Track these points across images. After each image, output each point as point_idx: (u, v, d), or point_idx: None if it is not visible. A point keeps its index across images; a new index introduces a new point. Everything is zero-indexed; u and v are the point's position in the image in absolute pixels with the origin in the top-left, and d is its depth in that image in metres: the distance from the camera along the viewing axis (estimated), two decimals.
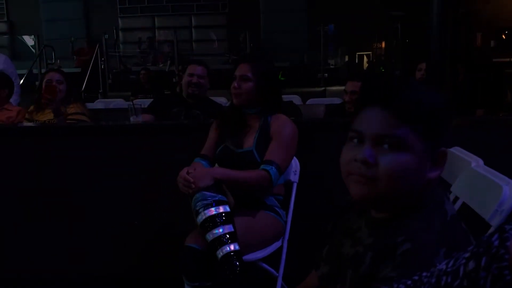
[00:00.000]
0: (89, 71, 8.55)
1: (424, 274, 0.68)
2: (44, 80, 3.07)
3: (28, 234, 2.58)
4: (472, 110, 4.07)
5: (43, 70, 7.67)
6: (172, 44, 9.29)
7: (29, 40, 11.53)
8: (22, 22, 11.70)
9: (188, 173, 1.86)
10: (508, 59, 7.79)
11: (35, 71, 8.13)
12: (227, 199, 1.85)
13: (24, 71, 7.75)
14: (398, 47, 9.87)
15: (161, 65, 10.10)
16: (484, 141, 2.19)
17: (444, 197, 0.93)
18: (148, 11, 11.46)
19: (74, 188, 2.53)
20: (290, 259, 2.06)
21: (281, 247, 2.06)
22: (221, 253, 1.75)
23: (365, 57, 10.82)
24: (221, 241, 1.76)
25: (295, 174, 2.17)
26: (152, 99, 3.95)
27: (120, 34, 11.38)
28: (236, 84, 2.01)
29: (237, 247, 1.76)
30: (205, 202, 1.80)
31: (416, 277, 0.70)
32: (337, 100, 4.75)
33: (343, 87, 3.34)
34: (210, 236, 1.77)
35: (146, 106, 3.13)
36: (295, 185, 2.15)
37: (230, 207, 1.83)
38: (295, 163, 2.17)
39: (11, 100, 3.39)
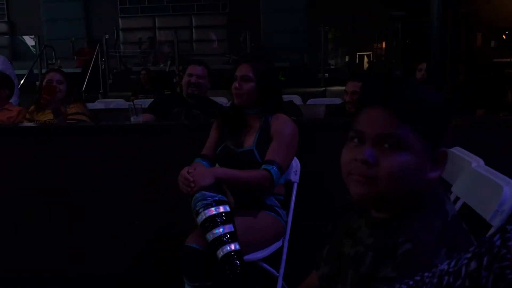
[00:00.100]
0: (90, 71, 8.56)
1: (426, 274, 0.68)
2: (45, 80, 3.07)
3: (28, 234, 2.58)
4: (472, 110, 4.07)
5: (43, 70, 7.67)
6: (172, 44, 9.29)
7: (29, 41, 11.54)
8: (22, 22, 11.71)
9: (188, 172, 1.86)
10: (508, 59, 7.79)
11: (35, 71, 8.14)
12: (227, 199, 1.85)
13: (25, 72, 7.76)
14: (399, 47, 9.87)
15: (161, 65, 10.11)
16: (484, 141, 2.19)
17: (445, 197, 0.93)
18: (148, 11, 11.46)
19: (74, 188, 2.53)
20: (290, 259, 2.06)
21: (281, 247, 2.06)
22: (222, 253, 1.75)
23: (365, 57, 10.82)
24: (221, 240, 1.76)
25: (295, 174, 2.17)
26: (152, 99, 3.94)
27: (121, 34, 11.39)
28: (237, 85, 2.01)
29: (237, 247, 1.76)
30: (205, 202, 1.80)
31: (417, 277, 0.70)
32: (337, 100, 4.75)
33: (343, 87, 3.33)
34: (210, 236, 1.77)
35: (146, 106, 3.13)
36: (295, 185, 2.15)
37: (230, 207, 1.83)
38: (295, 163, 2.17)
39: (10, 101, 3.38)
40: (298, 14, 10.25)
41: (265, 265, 2.01)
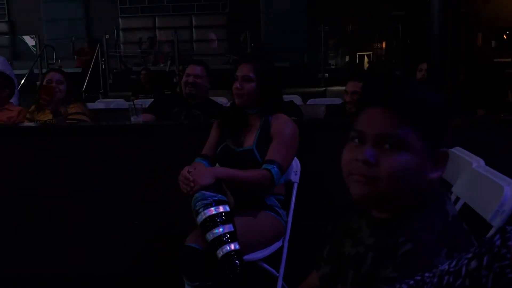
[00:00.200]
0: (90, 71, 8.56)
1: (427, 274, 0.69)
2: (45, 80, 3.07)
3: (28, 234, 2.58)
4: (473, 110, 4.07)
5: (44, 70, 7.67)
6: (172, 44, 9.29)
7: (29, 40, 11.54)
8: (22, 22, 11.71)
9: (188, 172, 1.86)
10: (508, 59, 7.78)
11: (36, 71, 8.14)
12: (227, 199, 1.85)
13: (25, 71, 7.76)
14: (399, 47, 9.87)
15: (161, 65, 10.11)
16: (485, 141, 2.19)
17: (446, 198, 0.93)
18: (148, 11, 11.47)
19: (74, 188, 2.53)
20: (290, 259, 2.06)
21: (281, 247, 2.06)
22: (221, 253, 1.75)
23: (365, 57, 10.82)
24: (221, 240, 1.76)
25: (295, 174, 2.17)
26: (152, 99, 3.94)
27: (121, 34, 11.40)
28: (238, 85, 2.01)
29: (237, 247, 1.76)
30: (204, 202, 1.79)
31: (418, 277, 0.70)
32: (337, 100, 4.75)
33: (343, 87, 3.33)
34: (210, 236, 1.77)
35: (146, 106, 3.13)
36: (295, 185, 2.15)
37: (230, 207, 1.83)
38: (295, 163, 2.17)
39: (10, 101, 3.38)
40: (298, 14, 10.25)
41: (265, 265, 2.01)
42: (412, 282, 0.70)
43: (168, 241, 2.21)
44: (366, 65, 10.67)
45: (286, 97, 2.71)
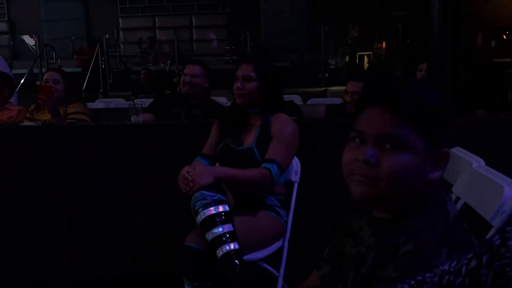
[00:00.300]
0: (90, 71, 8.56)
1: (428, 275, 0.69)
2: (42, 80, 3.07)
3: (28, 234, 2.57)
4: (473, 110, 4.07)
5: (43, 70, 7.66)
6: (172, 44, 9.29)
7: (29, 40, 11.54)
8: (22, 22, 11.72)
9: (188, 172, 1.86)
10: (508, 59, 7.78)
11: (35, 70, 8.14)
12: (226, 199, 1.85)
13: (25, 71, 7.76)
14: (399, 47, 9.87)
15: (161, 65, 10.12)
16: (484, 141, 2.19)
17: (446, 198, 0.93)
18: (148, 11, 11.47)
19: (74, 188, 2.53)
20: (291, 259, 2.06)
21: (282, 247, 2.06)
22: (221, 252, 1.75)
23: (365, 57, 10.82)
24: (220, 240, 1.75)
25: (296, 174, 2.17)
26: (152, 99, 3.94)
27: (121, 33, 11.40)
28: (239, 85, 2.01)
29: (236, 246, 1.76)
30: (204, 201, 1.79)
31: (419, 277, 0.70)
32: (337, 100, 4.75)
33: (343, 87, 3.33)
34: (209, 236, 1.77)
35: (146, 106, 3.13)
36: (296, 185, 2.15)
37: (229, 207, 1.83)
38: (296, 163, 2.17)
39: (10, 101, 3.38)
40: (298, 14, 10.25)
41: (266, 265, 2.01)
42: (413, 282, 0.71)
43: (168, 241, 2.21)
44: (366, 65, 10.67)
45: (286, 97, 2.71)
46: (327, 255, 1.08)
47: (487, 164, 1.65)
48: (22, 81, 7.10)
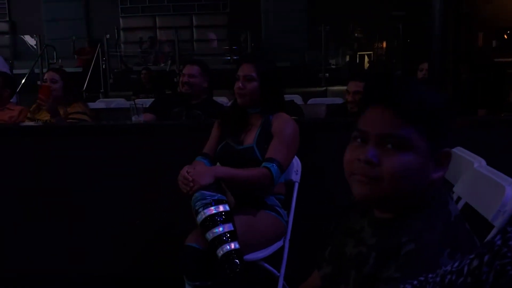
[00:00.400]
0: (91, 70, 8.56)
1: (430, 275, 0.69)
2: (43, 80, 3.08)
3: (28, 234, 2.57)
4: (474, 110, 4.06)
5: (44, 70, 7.66)
6: (173, 44, 9.29)
7: (30, 40, 11.55)
8: (23, 22, 11.73)
9: (188, 172, 1.86)
10: (509, 59, 7.77)
11: (36, 70, 8.14)
12: (226, 198, 1.84)
13: (26, 71, 7.76)
14: (399, 47, 9.86)
15: (162, 65, 10.12)
16: (485, 141, 2.18)
17: (448, 198, 0.93)
18: (149, 11, 11.48)
19: (74, 188, 2.52)
20: (291, 259, 2.05)
21: (282, 247, 2.06)
22: (221, 252, 1.74)
23: (366, 57, 10.82)
24: (221, 239, 1.75)
25: (296, 173, 2.16)
26: (153, 99, 3.94)
27: (121, 33, 11.41)
28: (241, 85, 2.01)
29: (237, 246, 1.76)
30: (204, 201, 1.79)
31: (422, 278, 0.70)
32: (338, 100, 4.74)
33: (344, 87, 3.32)
34: (210, 235, 1.76)
35: (147, 106, 3.13)
36: (296, 185, 2.15)
37: (229, 206, 1.83)
38: (296, 163, 2.17)
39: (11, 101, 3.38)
40: (298, 14, 10.26)
41: (266, 265, 2.01)
42: (416, 282, 0.71)
43: (168, 241, 2.20)
44: (366, 64, 10.67)
45: (287, 97, 2.70)
46: (329, 255, 1.07)
47: (487, 164, 1.65)
48: (23, 81, 7.10)
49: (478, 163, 1.65)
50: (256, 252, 1.93)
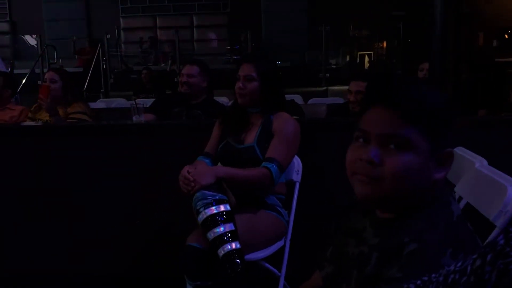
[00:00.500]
0: (91, 70, 8.56)
1: (434, 275, 0.69)
2: (43, 80, 3.08)
3: (28, 234, 2.57)
4: (474, 110, 4.06)
5: (45, 70, 7.66)
6: (173, 44, 9.28)
7: (31, 40, 11.55)
8: (24, 22, 11.73)
9: (188, 172, 1.86)
10: (510, 59, 7.77)
11: (37, 70, 8.14)
12: (227, 198, 1.84)
13: (26, 71, 7.76)
14: (400, 47, 9.86)
15: (162, 65, 10.12)
16: (485, 141, 2.18)
17: (450, 197, 0.93)
18: (149, 11, 11.48)
19: (74, 188, 2.52)
20: (292, 259, 2.05)
21: (283, 247, 2.06)
22: (222, 252, 1.74)
23: (366, 56, 10.82)
24: (222, 239, 1.75)
25: (297, 173, 2.16)
26: (153, 99, 3.94)
27: (122, 33, 11.41)
28: (241, 85, 2.01)
29: (238, 246, 1.76)
30: (205, 201, 1.79)
31: (425, 278, 0.70)
32: (339, 100, 4.73)
33: (345, 87, 3.32)
34: (211, 235, 1.76)
35: (148, 105, 3.12)
36: (297, 185, 2.14)
37: (230, 206, 1.83)
38: (297, 163, 2.16)
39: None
40: (298, 14, 10.26)
41: (267, 265, 2.01)
42: (419, 282, 0.71)
43: (168, 241, 2.20)
44: (367, 64, 10.67)
45: (287, 97, 2.70)
46: (330, 255, 1.07)
47: (488, 164, 1.64)
48: (24, 81, 7.10)
49: (480, 163, 1.64)
50: (257, 252, 1.93)
